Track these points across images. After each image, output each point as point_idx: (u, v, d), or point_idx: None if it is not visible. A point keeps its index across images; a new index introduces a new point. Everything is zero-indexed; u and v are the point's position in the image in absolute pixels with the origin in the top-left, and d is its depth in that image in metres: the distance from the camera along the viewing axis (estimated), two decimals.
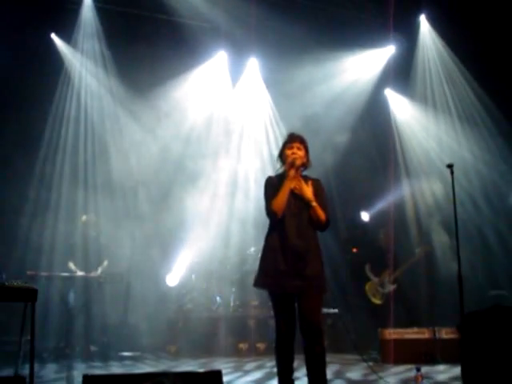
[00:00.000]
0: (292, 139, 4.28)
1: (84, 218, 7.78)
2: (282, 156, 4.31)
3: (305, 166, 4.26)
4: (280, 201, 4.10)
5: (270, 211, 4.13)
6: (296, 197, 4.17)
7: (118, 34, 8.39)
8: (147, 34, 8.39)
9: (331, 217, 4.27)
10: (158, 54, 8.25)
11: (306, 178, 4.26)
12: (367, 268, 8.04)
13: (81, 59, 8.63)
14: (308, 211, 4.15)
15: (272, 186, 4.22)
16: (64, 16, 8.26)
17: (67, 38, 8.51)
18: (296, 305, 4.09)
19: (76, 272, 7.33)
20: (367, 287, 7.98)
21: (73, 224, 7.88)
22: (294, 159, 4.15)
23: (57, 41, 8.55)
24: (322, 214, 4.16)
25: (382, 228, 8.29)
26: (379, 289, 7.90)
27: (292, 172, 4.13)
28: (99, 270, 7.46)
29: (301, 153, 4.22)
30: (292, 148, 4.22)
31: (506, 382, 1.55)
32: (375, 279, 7.96)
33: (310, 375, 4.01)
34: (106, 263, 7.57)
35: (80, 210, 8.06)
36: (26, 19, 7.68)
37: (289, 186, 4.14)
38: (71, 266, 7.42)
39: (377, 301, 7.88)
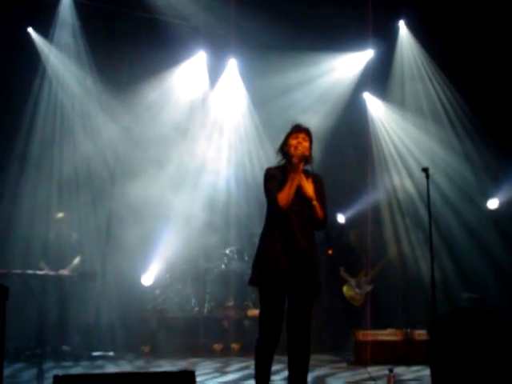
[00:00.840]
0: (298, 129, 4.07)
1: (59, 215, 7.70)
2: (284, 147, 4.07)
3: (307, 160, 4.05)
4: (288, 194, 3.90)
5: (275, 205, 3.91)
6: (298, 194, 3.96)
7: (97, 30, 8.30)
8: (126, 31, 8.32)
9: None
10: (137, 51, 8.20)
11: (306, 173, 4.05)
12: (342, 270, 8.09)
13: (58, 55, 8.49)
14: (308, 211, 3.98)
15: (274, 178, 4.01)
16: (41, 10, 8.14)
17: (45, 32, 8.38)
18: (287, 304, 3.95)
19: (46, 271, 7.21)
20: (345, 289, 8.02)
21: (47, 221, 7.77)
22: (304, 151, 3.96)
23: (34, 35, 8.42)
24: (321, 214, 4.00)
25: (353, 229, 8.35)
26: (356, 290, 7.95)
27: (300, 166, 3.93)
28: (70, 267, 7.37)
29: (306, 144, 4.02)
30: (297, 138, 4.02)
31: (472, 382, 1.58)
32: (352, 280, 8.01)
33: (293, 374, 3.95)
34: (77, 260, 7.48)
35: (54, 206, 7.95)
36: (2, 12, 7.54)
37: (296, 178, 3.93)
38: (42, 265, 7.31)
39: (355, 303, 7.93)
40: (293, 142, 4.00)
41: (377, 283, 8.04)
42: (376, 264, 8.00)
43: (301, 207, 3.97)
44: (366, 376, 5.79)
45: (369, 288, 7.91)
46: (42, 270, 7.21)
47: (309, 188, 3.98)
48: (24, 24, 8.25)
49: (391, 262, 8.06)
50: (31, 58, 8.25)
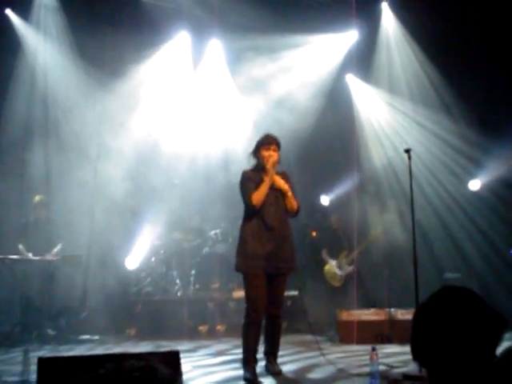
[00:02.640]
0: (269, 142, 4.77)
1: (37, 198, 7.61)
2: (256, 153, 4.81)
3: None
4: (261, 195, 4.62)
5: (250, 204, 4.62)
6: (272, 188, 4.70)
7: (77, 11, 8.17)
8: (108, 12, 8.21)
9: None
10: (120, 32, 8.07)
11: (276, 173, 4.80)
12: (324, 252, 8.16)
13: (38, 37, 8.35)
14: (283, 200, 4.74)
15: (249, 180, 4.72)
16: None
17: (24, 14, 8.22)
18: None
19: (26, 255, 7.15)
20: (325, 270, 8.10)
21: (26, 203, 7.70)
22: (274, 162, 4.71)
23: (12, 17, 8.25)
24: (295, 203, 4.78)
25: (334, 212, 8.43)
26: (337, 271, 8.02)
27: (272, 172, 4.69)
28: (53, 252, 7.33)
29: (276, 155, 4.75)
30: (269, 150, 4.73)
31: (455, 359, 1.59)
32: (332, 262, 8.08)
33: (270, 339, 4.87)
34: (58, 248, 7.43)
35: (34, 189, 7.86)
36: None
37: (269, 182, 4.65)
38: (21, 248, 7.26)
39: (336, 283, 8.01)
40: (265, 154, 4.73)
41: (360, 264, 8.11)
42: (357, 245, 8.07)
43: (275, 199, 4.72)
44: (352, 354, 5.89)
45: (350, 269, 7.98)
46: (21, 254, 7.15)
47: (282, 184, 4.75)
48: (1, 5, 8.09)
49: (374, 243, 8.13)
50: (10, 41, 8.10)
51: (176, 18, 8.52)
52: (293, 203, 4.76)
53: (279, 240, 4.69)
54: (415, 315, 1.70)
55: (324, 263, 8.13)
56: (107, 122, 8.45)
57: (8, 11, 8.22)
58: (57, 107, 8.39)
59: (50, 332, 7.12)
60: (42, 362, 3.36)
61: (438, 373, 1.64)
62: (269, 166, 4.72)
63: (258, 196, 4.62)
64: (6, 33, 8.07)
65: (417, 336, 1.66)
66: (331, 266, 8.08)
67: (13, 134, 8.01)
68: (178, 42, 8.96)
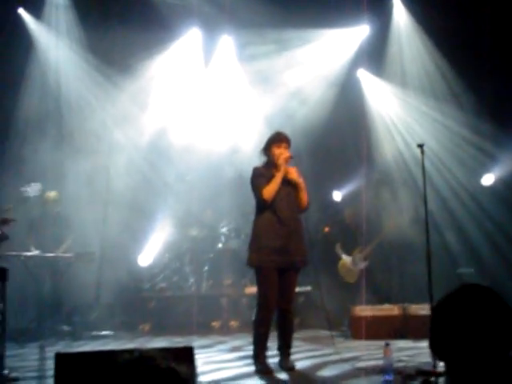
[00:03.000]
0: (280, 140, 4.82)
1: (52, 193, 7.62)
2: (267, 151, 4.85)
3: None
4: (272, 190, 4.66)
5: (261, 198, 4.67)
6: (284, 183, 4.74)
7: (90, 9, 8.21)
8: (119, 10, 8.23)
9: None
10: (131, 30, 8.11)
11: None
12: (338, 247, 8.15)
13: (51, 36, 8.40)
14: (295, 195, 4.79)
15: (261, 176, 4.77)
16: None
17: (36, 13, 8.28)
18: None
19: (33, 251, 7.17)
20: (340, 266, 8.07)
21: (38, 199, 7.74)
22: (286, 158, 4.75)
23: (25, 16, 8.31)
24: (306, 196, 4.84)
25: (348, 207, 8.38)
26: (351, 267, 8.00)
27: (285, 167, 4.74)
28: (63, 248, 7.36)
29: (287, 152, 4.79)
30: (280, 147, 4.78)
31: (473, 355, 1.63)
32: (347, 258, 8.08)
33: (282, 334, 4.85)
34: (69, 241, 7.47)
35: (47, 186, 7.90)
36: None
37: (280, 177, 4.70)
38: (30, 245, 7.28)
39: (350, 279, 7.98)
40: (276, 151, 4.78)
41: (372, 259, 8.08)
42: (371, 241, 8.04)
43: (287, 192, 4.76)
44: (365, 349, 5.89)
45: (364, 264, 7.96)
46: (30, 250, 7.19)
47: (296, 176, 4.81)
48: (14, 4, 8.14)
49: (387, 238, 8.09)
50: (22, 39, 8.16)
51: (187, 14, 8.54)
52: (305, 197, 4.83)
53: (291, 234, 4.73)
54: (433, 312, 1.74)
55: (338, 259, 8.11)
56: (119, 119, 8.49)
57: (21, 10, 8.26)
58: (68, 104, 8.43)
59: (65, 328, 7.19)
60: (59, 357, 3.39)
61: (457, 367, 1.68)
62: (280, 161, 4.76)
63: (270, 190, 4.67)
64: (18, 31, 8.12)
65: (435, 332, 1.70)
66: (345, 261, 8.06)
67: (26, 131, 8.07)
68: (189, 39, 8.96)
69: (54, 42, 8.41)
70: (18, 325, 7.07)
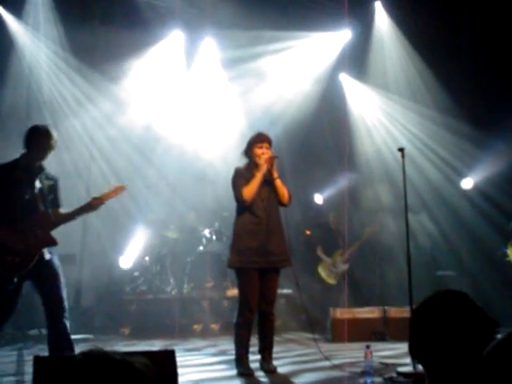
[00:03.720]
0: (262, 140, 4.80)
1: None
2: (248, 151, 4.82)
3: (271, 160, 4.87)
4: (252, 190, 4.63)
5: (241, 199, 4.64)
6: (264, 183, 4.72)
7: (71, 9, 8.12)
8: (101, 10, 8.17)
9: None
10: (113, 31, 8.05)
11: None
12: (319, 250, 8.19)
13: (30, 35, 8.29)
14: (275, 195, 4.76)
15: (241, 176, 4.74)
16: None
17: (16, 11, 8.17)
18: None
19: None
20: (320, 268, 8.12)
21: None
22: (267, 159, 4.73)
23: (4, 14, 8.20)
24: (285, 190, 4.80)
25: (332, 211, 8.46)
26: (332, 269, 8.04)
27: (264, 167, 4.71)
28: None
29: (269, 152, 4.78)
30: (261, 148, 4.75)
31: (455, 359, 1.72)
32: (327, 260, 8.11)
33: (263, 336, 4.84)
34: None
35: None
36: None
37: (260, 177, 4.67)
38: None
39: (331, 281, 8.03)
40: (258, 151, 4.74)
41: (353, 262, 8.14)
42: (352, 243, 8.10)
43: (267, 193, 4.73)
44: (346, 352, 5.91)
45: (345, 267, 8.01)
46: None
47: (273, 169, 4.79)
48: None
49: (367, 241, 8.16)
50: (1, 38, 8.05)
51: (169, 16, 8.50)
52: (283, 190, 4.80)
53: (272, 235, 4.72)
54: (412, 317, 1.82)
55: (319, 261, 8.16)
56: (100, 121, 8.42)
57: (0, 9, 8.15)
58: (49, 106, 8.33)
59: (44, 331, 7.08)
60: (37, 360, 3.35)
61: (435, 370, 1.75)
62: (261, 161, 4.74)
63: (249, 191, 4.64)
64: None
65: (414, 337, 1.78)
66: (326, 264, 8.11)
67: (7, 134, 7.95)
68: (171, 41, 8.93)
69: (33, 41, 8.30)
70: None
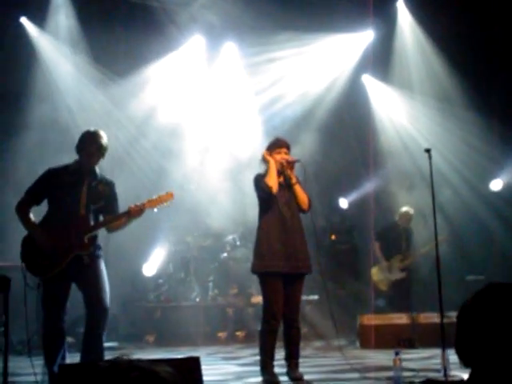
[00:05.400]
0: (280, 145, 4.81)
1: None
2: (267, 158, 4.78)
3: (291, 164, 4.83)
4: (272, 178, 4.62)
5: (265, 187, 4.60)
6: (284, 188, 4.74)
7: (92, 17, 8.19)
8: (122, 17, 8.22)
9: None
10: (134, 37, 8.08)
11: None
12: (377, 247, 7.57)
13: (53, 43, 8.39)
14: (295, 200, 4.74)
15: (263, 179, 4.70)
16: None
17: (39, 22, 8.27)
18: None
19: None
20: (374, 271, 7.60)
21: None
22: (287, 159, 4.75)
23: (27, 25, 8.30)
24: (304, 195, 4.78)
25: (402, 207, 7.73)
26: (386, 274, 7.50)
27: (269, 158, 4.73)
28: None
29: (288, 157, 4.78)
30: (280, 153, 4.76)
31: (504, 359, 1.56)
32: (384, 262, 7.52)
33: (289, 344, 4.73)
34: None
35: None
36: None
37: (272, 166, 4.67)
38: None
39: (382, 286, 7.53)
40: (277, 157, 4.74)
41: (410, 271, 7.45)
42: (415, 251, 7.37)
43: (288, 199, 4.73)
44: (374, 359, 5.78)
45: (400, 275, 7.37)
46: None
47: (292, 174, 4.79)
48: (17, 14, 8.14)
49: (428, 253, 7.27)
50: (25, 48, 8.15)
51: (189, 22, 8.52)
52: (303, 195, 4.77)
53: (294, 240, 4.69)
54: (460, 313, 1.66)
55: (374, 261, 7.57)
56: (123, 127, 8.47)
57: (23, 19, 8.26)
58: (72, 113, 8.39)
59: (69, 339, 7.09)
60: (62, 368, 3.35)
61: (483, 372, 1.61)
62: (278, 158, 4.73)
63: (270, 179, 4.63)
64: (21, 41, 8.11)
65: (461, 335, 1.62)
66: (381, 267, 7.51)
67: (30, 141, 8.02)
68: (192, 46, 8.95)
69: (56, 50, 8.39)
70: (21, 337, 6.98)
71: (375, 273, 7.62)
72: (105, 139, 4.43)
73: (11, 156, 7.89)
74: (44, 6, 8.20)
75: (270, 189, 4.61)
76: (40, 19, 8.25)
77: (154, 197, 4.47)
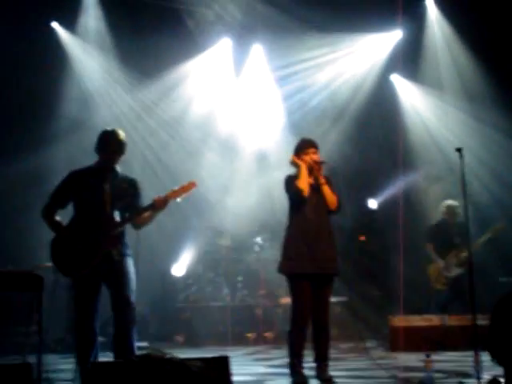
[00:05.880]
0: (307, 146, 4.81)
1: None
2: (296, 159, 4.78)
3: (319, 165, 4.82)
4: (303, 181, 4.65)
5: (297, 190, 4.63)
6: (313, 190, 4.71)
7: (121, 21, 8.32)
8: (151, 21, 8.31)
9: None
10: (162, 41, 8.17)
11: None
12: (430, 248, 7.42)
13: (84, 47, 8.55)
14: (324, 201, 4.71)
15: (293, 180, 4.73)
16: (65, 4, 8.20)
17: (69, 26, 8.44)
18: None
19: None
20: (431, 270, 7.40)
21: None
22: (316, 159, 4.76)
23: (58, 29, 8.48)
24: (333, 196, 4.76)
25: (445, 203, 7.50)
26: (444, 273, 7.29)
27: (298, 161, 4.74)
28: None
29: (316, 157, 4.78)
30: (308, 153, 4.76)
31: None
32: (440, 262, 7.32)
33: (318, 346, 4.69)
34: None
35: None
36: (26, 8, 7.63)
37: (303, 168, 4.68)
38: None
39: (438, 286, 7.33)
40: (306, 158, 4.74)
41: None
42: (471, 244, 7.19)
43: (316, 200, 4.71)
44: (405, 361, 5.73)
45: (459, 271, 7.13)
46: None
47: (320, 174, 4.78)
48: (48, 19, 8.32)
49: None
50: (56, 53, 8.32)
51: (217, 24, 8.58)
52: (331, 196, 4.74)
53: (322, 241, 4.67)
54: (493, 313, 1.64)
55: (429, 261, 7.40)
56: (153, 129, 8.58)
57: (54, 24, 8.44)
58: (103, 117, 8.52)
59: (100, 339, 7.18)
60: (94, 366, 3.41)
61: None
62: (306, 158, 4.74)
63: (301, 182, 4.64)
64: (52, 45, 8.28)
65: (494, 334, 1.60)
66: (438, 266, 7.32)
67: (63, 147, 8.18)
68: (220, 48, 9.00)
69: (86, 52, 8.55)
70: (55, 335, 7.12)
71: (432, 272, 7.39)
72: (123, 137, 4.45)
73: (45, 157, 8.06)
74: (74, 9, 8.36)
75: (301, 192, 4.63)
76: (70, 23, 8.41)
77: (177, 187, 4.45)
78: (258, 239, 8.35)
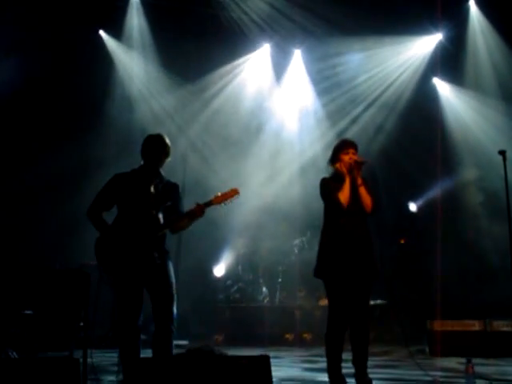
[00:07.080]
0: (347, 146, 4.74)
1: None
2: (334, 160, 4.74)
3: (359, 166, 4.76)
4: (346, 194, 4.61)
5: (338, 203, 4.61)
6: (351, 193, 4.65)
7: (164, 28, 8.50)
8: (193, 28, 8.47)
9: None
10: (204, 47, 8.32)
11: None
12: None
13: (129, 54, 8.78)
14: (360, 202, 4.65)
15: (330, 184, 4.71)
16: (111, 13, 8.44)
17: (115, 34, 8.69)
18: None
19: None
20: None
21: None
22: (354, 162, 4.66)
23: (105, 37, 8.73)
24: (368, 197, 4.68)
25: None
26: None
27: (351, 167, 4.67)
28: None
29: (356, 157, 4.70)
30: (348, 154, 4.69)
31: None
32: None
33: (357, 349, 4.62)
34: None
35: None
36: (74, 17, 7.88)
37: (349, 181, 4.65)
38: None
39: None
40: (345, 158, 4.68)
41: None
42: None
43: (353, 201, 4.63)
44: (445, 366, 5.67)
45: None
46: None
47: (358, 175, 4.70)
48: (95, 27, 8.58)
49: None
50: (103, 59, 8.56)
51: (258, 30, 8.66)
52: (367, 198, 4.67)
53: (360, 244, 4.61)
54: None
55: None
56: (198, 132, 8.73)
57: (101, 32, 8.70)
58: (149, 121, 8.72)
59: (142, 337, 7.34)
60: (137, 363, 3.52)
61: None
62: (343, 169, 4.69)
63: (343, 195, 4.61)
64: (99, 52, 8.53)
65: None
66: None
67: (110, 149, 8.40)
68: (261, 54, 9.09)
69: (133, 61, 8.76)
70: (98, 332, 7.30)
71: None
72: (167, 141, 4.56)
73: (93, 157, 8.29)
74: (119, 17, 8.59)
75: (342, 205, 4.60)
76: (116, 31, 8.65)
77: (219, 194, 4.50)
78: (298, 241, 8.38)
